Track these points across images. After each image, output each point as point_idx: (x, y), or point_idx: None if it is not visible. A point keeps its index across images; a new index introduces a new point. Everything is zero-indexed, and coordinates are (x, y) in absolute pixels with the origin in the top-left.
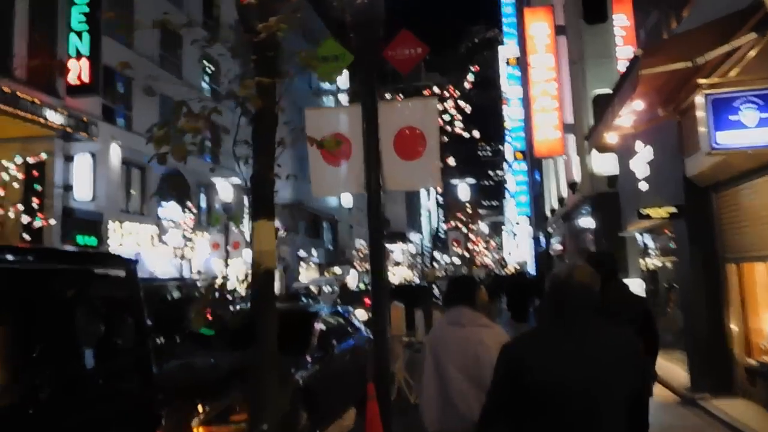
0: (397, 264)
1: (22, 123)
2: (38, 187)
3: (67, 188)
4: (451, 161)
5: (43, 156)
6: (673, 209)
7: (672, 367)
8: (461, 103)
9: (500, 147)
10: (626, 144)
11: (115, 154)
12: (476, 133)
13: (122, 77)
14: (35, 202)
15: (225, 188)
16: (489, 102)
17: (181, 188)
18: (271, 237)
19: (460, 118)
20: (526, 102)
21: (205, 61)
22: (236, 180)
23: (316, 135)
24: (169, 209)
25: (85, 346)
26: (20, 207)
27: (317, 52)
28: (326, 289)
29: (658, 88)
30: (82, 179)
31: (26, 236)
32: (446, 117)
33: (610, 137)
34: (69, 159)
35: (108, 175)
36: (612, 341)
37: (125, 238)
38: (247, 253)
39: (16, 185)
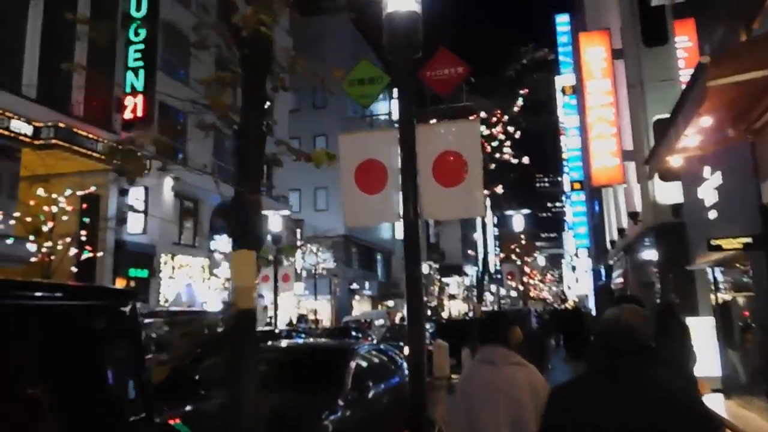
0: (452, 297)
1: (77, 158)
2: (87, 220)
3: (121, 222)
4: (499, 189)
5: (92, 188)
6: (747, 239)
7: (749, 416)
8: (510, 128)
9: (558, 178)
10: (692, 169)
11: (168, 187)
12: (526, 159)
13: (180, 113)
14: (84, 235)
15: (275, 220)
16: (542, 127)
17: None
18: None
19: (509, 143)
20: (582, 130)
21: None
22: (286, 212)
23: (351, 162)
24: (221, 242)
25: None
26: (68, 239)
27: (351, 74)
28: (378, 322)
29: (728, 103)
30: (136, 213)
31: (78, 270)
32: (494, 143)
33: (674, 160)
34: (123, 193)
35: (161, 209)
36: (663, 389)
37: (177, 271)
38: (299, 287)
39: (65, 218)
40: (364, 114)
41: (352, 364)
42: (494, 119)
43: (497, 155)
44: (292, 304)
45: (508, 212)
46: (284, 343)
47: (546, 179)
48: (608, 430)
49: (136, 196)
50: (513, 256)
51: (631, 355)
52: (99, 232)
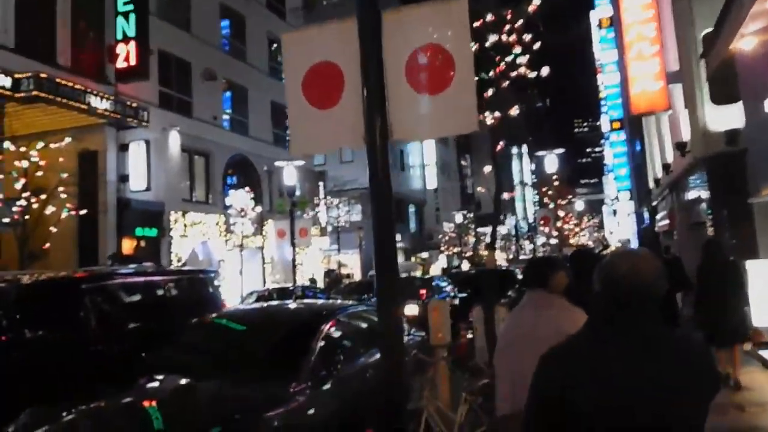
0: (488, 247)
1: (71, 113)
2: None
3: (123, 179)
4: (514, 111)
5: (66, 141)
6: None
7: None
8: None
9: (596, 123)
10: (756, 81)
11: (175, 141)
12: (546, 71)
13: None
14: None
15: (289, 172)
16: (569, 44)
17: (248, 173)
18: None
19: (525, 57)
20: (621, 60)
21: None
22: (300, 162)
23: (296, 68)
24: (236, 197)
25: None
26: (42, 197)
27: None
28: (417, 274)
29: None
30: (138, 169)
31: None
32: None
33: (745, 42)
34: (123, 148)
35: (167, 164)
36: (682, 357)
37: (189, 229)
38: (318, 241)
39: (39, 173)
40: None
41: (319, 336)
42: (505, 26)
43: (512, 73)
44: (317, 259)
45: (541, 153)
46: (240, 310)
47: (585, 124)
48: (615, 396)
49: (138, 151)
50: (546, 200)
51: (645, 310)
52: (99, 191)
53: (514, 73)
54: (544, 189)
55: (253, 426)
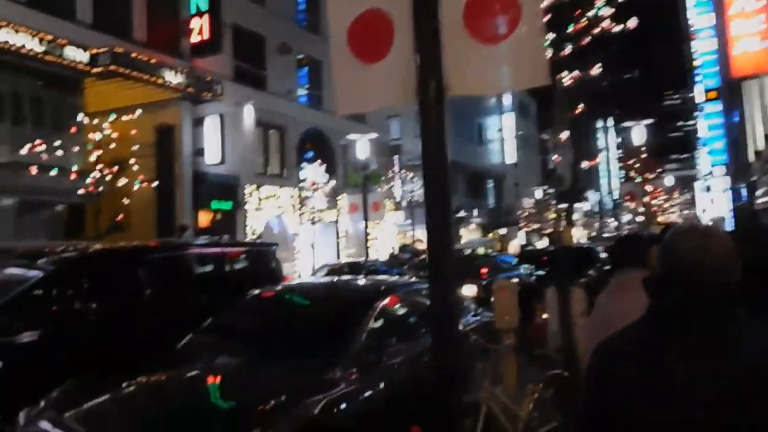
0: (571, 224)
1: (147, 87)
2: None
3: (199, 153)
4: (595, 70)
5: (136, 114)
6: None
7: None
8: None
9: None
10: None
11: (249, 115)
12: (633, 22)
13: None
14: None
15: (362, 145)
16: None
17: (322, 147)
18: None
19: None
20: (720, 20)
21: None
22: (373, 135)
23: (341, 17)
24: (311, 171)
25: None
26: (115, 169)
27: None
28: (480, 250)
29: None
30: (213, 142)
31: (157, 202)
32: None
33: None
34: (198, 122)
35: (242, 138)
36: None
37: (264, 203)
38: (393, 216)
39: (112, 146)
40: None
41: (370, 316)
42: None
43: (595, 30)
44: (392, 234)
45: (628, 123)
46: (289, 286)
47: (675, 96)
48: (676, 405)
49: (213, 125)
50: (632, 174)
51: (717, 296)
52: (175, 165)
53: (596, 30)
54: (630, 162)
55: (286, 413)
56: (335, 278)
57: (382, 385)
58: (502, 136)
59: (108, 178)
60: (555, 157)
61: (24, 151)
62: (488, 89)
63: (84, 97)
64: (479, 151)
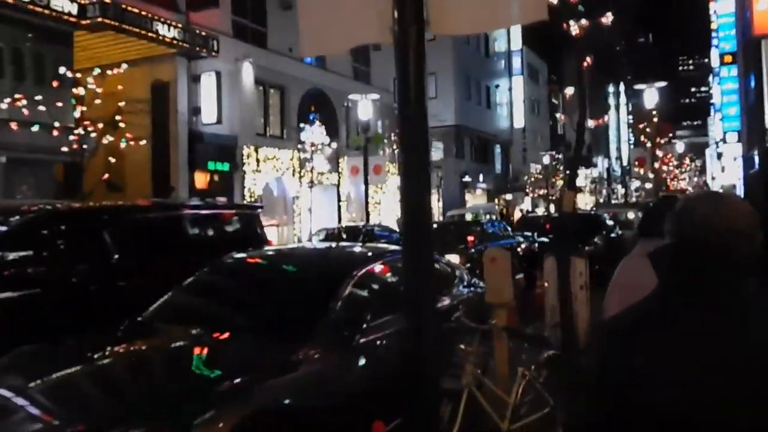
0: (579, 190)
1: (141, 42)
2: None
3: (195, 111)
4: (607, 18)
5: (122, 68)
6: None
7: None
8: None
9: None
10: None
11: (248, 73)
12: None
13: None
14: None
15: (365, 105)
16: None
17: (324, 108)
18: None
19: None
20: None
21: None
22: (375, 95)
23: None
24: (312, 132)
25: None
26: (99, 126)
27: None
28: (485, 216)
29: None
30: (210, 101)
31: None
32: None
33: None
34: (195, 80)
35: (240, 97)
36: None
37: (263, 164)
38: (393, 181)
39: (97, 101)
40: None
41: (344, 288)
42: None
43: None
44: (395, 199)
45: (640, 86)
46: (259, 252)
47: (690, 61)
48: (695, 385)
49: (209, 83)
50: (642, 138)
51: (735, 266)
52: (170, 124)
53: None
54: (641, 126)
55: (243, 396)
56: (315, 244)
57: (355, 365)
58: (511, 100)
59: (94, 135)
60: (560, 115)
61: (6, 106)
62: (477, 26)
63: (74, 51)
64: (487, 116)
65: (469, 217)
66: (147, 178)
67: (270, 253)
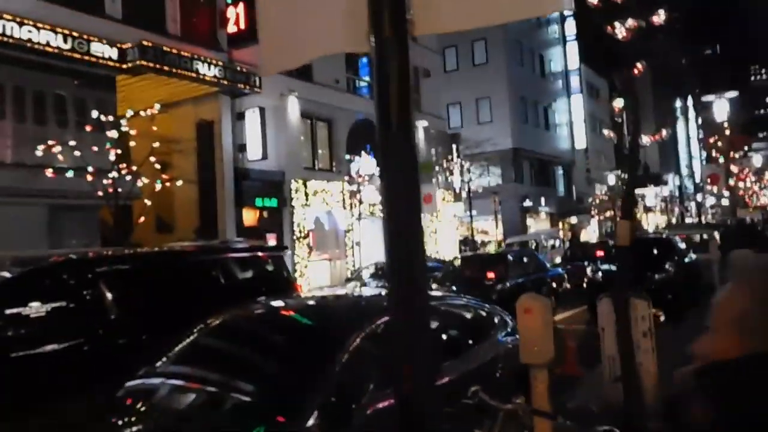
0: (649, 210)
1: (183, 83)
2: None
3: (241, 148)
4: (659, 17)
5: (156, 109)
6: None
7: None
8: None
9: None
10: None
11: (293, 107)
12: None
13: None
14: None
15: None
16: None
17: (375, 138)
18: None
19: None
20: None
21: None
22: (424, 123)
23: None
24: (362, 163)
25: None
26: (134, 168)
27: None
28: (548, 242)
29: None
30: (255, 137)
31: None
32: None
33: None
34: (239, 117)
35: (287, 131)
36: None
37: (312, 198)
38: (453, 207)
39: (132, 144)
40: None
41: (342, 353)
42: None
43: None
44: (452, 226)
45: (707, 97)
46: (251, 308)
47: (763, 70)
48: None
49: (254, 119)
50: (714, 154)
51: None
52: (216, 162)
53: None
54: (711, 140)
55: None
56: (323, 294)
57: None
58: (571, 120)
59: (130, 177)
60: (607, 132)
61: (51, 151)
62: (474, 20)
63: (117, 95)
64: (546, 137)
65: (532, 243)
66: (195, 216)
67: (262, 310)
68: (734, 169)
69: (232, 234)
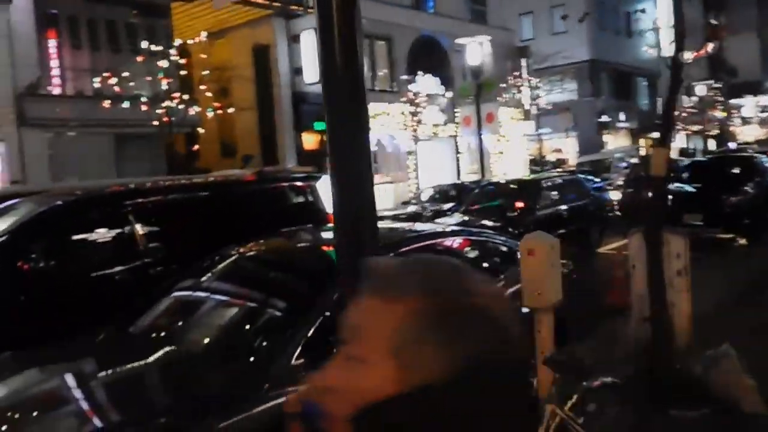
0: (745, 122)
1: (236, 8)
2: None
3: (297, 71)
4: None
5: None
6: None
7: None
8: None
9: None
10: None
11: None
12: None
13: None
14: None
15: (474, 48)
16: None
17: (436, 56)
18: None
19: None
20: None
21: None
22: (486, 37)
23: None
24: (423, 83)
25: None
26: (185, 97)
27: None
28: (620, 163)
29: None
30: (311, 60)
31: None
32: None
33: None
34: (294, 39)
35: None
36: None
37: (372, 121)
38: (522, 126)
39: (183, 72)
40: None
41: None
42: None
43: None
44: (522, 147)
45: None
46: (242, 252)
47: None
48: None
49: (309, 41)
50: None
51: None
52: (273, 88)
53: None
54: None
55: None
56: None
57: None
58: (657, 25)
59: (184, 106)
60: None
61: (109, 81)
62: None
63: (172, 21)
64: (627, 46)
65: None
66: (255, 142)
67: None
68: None
69: (292, 159)
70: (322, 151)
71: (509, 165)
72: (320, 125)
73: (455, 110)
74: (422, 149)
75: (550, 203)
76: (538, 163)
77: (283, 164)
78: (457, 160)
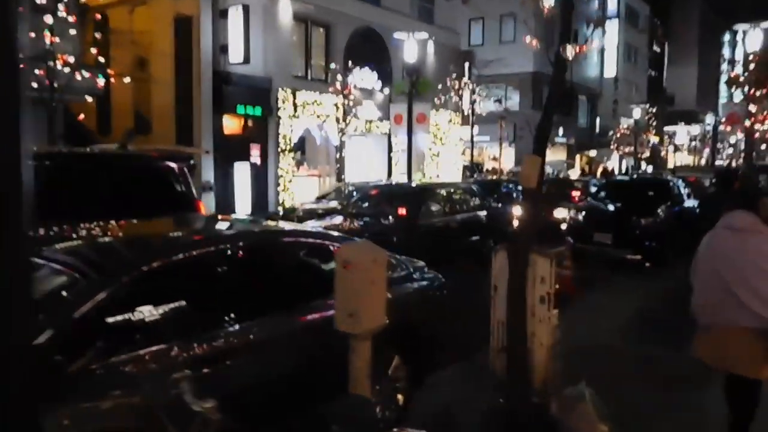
0: (677, 149)
1: None
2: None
3: (223, 49)
4: None
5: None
6: None
7: None
8: None
9: None
10: None
11: (285, 8)
12: None
13: None
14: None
15: (411, 45)
16: None
17: (377, 49)
18: None
19: None
20: None
21: None
22: (425, 35)
23: None
24: (361, 76)
25: None
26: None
27: None
28: (552, 174)
29: None
30: (237, 39)
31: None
32: None
33: None
34: (222, 15)
35: (276, 34)
36: None
37: (301, 110)
38: (455, 132)
39: None
40: None
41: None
42: None
43: None
44: (458, 151)
45: (739, 26)
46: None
47: None
48: None
49: (237, 17)
50: (734, 90)
51: None
52: (194, 64)
53: None
54: (734, 74)
55: None
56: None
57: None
58: (603, 46)
59: (70, 70)
60: (528, 38)
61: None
62: None
63: None
64: (572, 63)
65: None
66: (171, 121)
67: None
68: (752, 108)
69: (209, 142)
70: (245, 136)
71: (444, 168)
72: (243, 109)
73: (390, 107)
74: (354, 144)
75: (438, 213)
76: (470, 169)
77: (199, 146)
78: (389, 158)
